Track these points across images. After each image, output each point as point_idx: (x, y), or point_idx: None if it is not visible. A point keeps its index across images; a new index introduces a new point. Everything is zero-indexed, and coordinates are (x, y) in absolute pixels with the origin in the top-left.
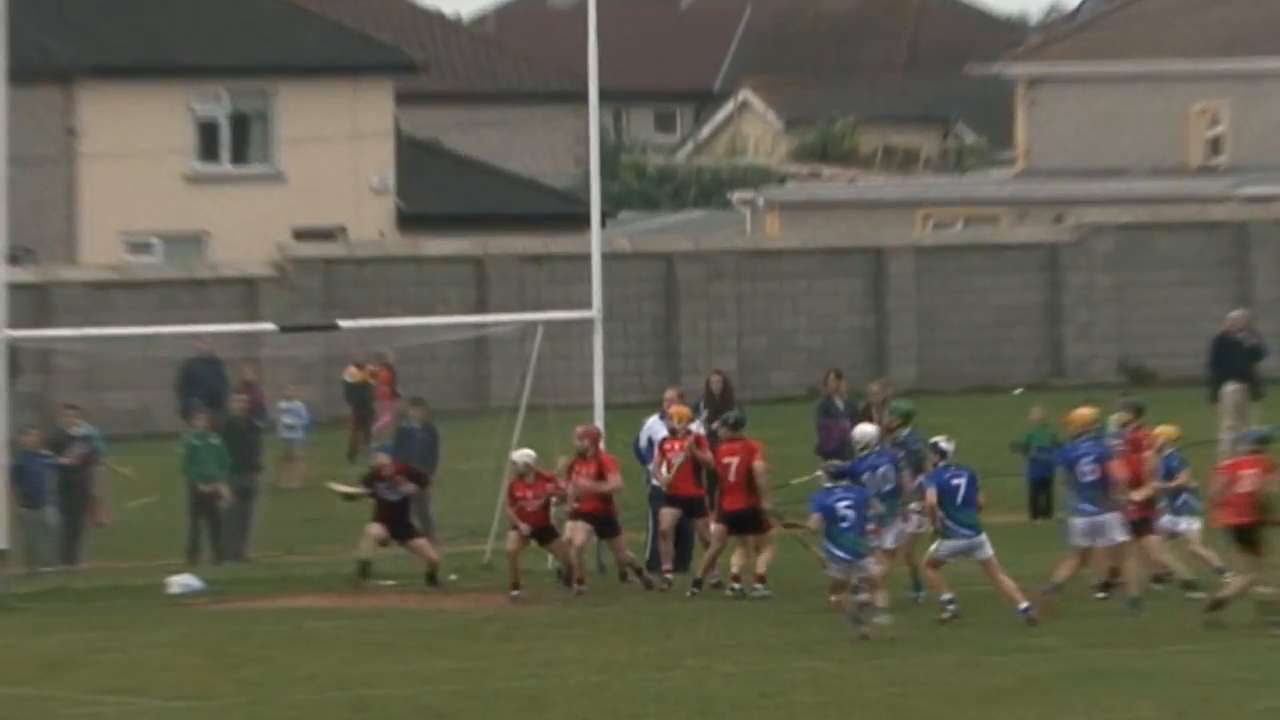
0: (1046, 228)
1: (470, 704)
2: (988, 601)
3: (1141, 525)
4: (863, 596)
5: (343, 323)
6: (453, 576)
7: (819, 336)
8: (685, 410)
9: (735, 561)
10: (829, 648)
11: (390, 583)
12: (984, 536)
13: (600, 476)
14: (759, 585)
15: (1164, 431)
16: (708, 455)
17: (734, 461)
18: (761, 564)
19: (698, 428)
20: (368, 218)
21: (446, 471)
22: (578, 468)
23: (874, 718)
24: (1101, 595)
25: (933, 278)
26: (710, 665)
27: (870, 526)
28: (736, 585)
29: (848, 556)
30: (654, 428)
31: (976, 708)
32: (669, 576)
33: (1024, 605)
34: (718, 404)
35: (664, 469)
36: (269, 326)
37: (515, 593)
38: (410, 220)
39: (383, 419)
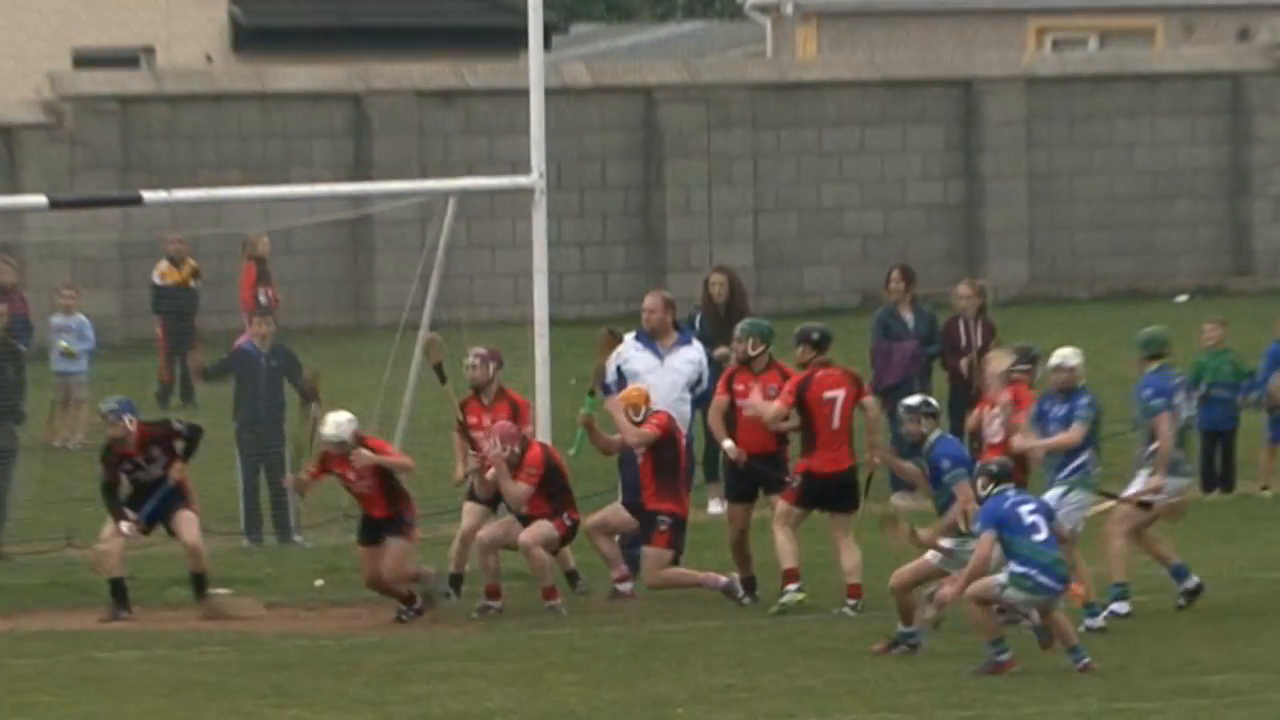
0: (1226, 48)
1: None
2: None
3: None
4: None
5: (148, 194)
6: (318, 582)
7: (878, 215)
8: (639, 390)
9: (785, 546)
10: (895, 691)
11: (224, 592)
12: None
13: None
14: (851, 602)
15: None
16: (643, 433)
17: (840, 396)
18: (854, 569)
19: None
20: (186, 34)
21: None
22: (473, 414)
23: None
24: None
25: (1052, 126)
26: (712, 718)
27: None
28: (795, 588)
29: (1054, 583)
30: (628, 353)
31: None
32: (625, 586)
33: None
34: (721, 318)
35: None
36: (36, 200)
37: (403, 610)
38: (252, 38)
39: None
